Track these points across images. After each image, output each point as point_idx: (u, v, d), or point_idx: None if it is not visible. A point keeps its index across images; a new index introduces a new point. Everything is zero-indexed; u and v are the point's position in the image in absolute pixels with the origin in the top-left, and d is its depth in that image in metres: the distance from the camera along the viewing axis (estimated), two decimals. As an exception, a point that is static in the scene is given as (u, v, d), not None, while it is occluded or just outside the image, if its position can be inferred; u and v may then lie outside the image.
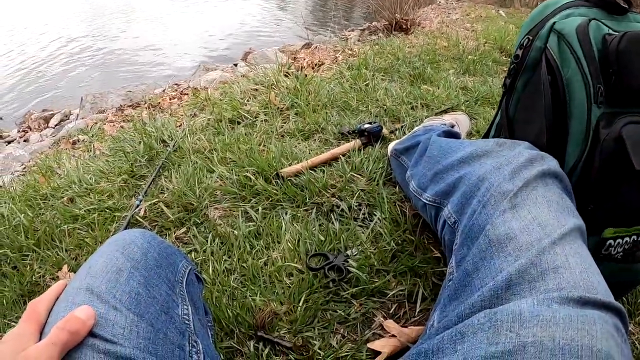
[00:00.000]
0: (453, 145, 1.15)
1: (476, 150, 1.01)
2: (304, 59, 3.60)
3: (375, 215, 1.46)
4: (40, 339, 0.58)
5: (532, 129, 1.08)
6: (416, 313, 1.17)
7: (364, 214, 1.48)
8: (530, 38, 1.09)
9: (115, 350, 0.59)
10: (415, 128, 1.72)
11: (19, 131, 5.77)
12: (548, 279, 0.65)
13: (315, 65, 3.36)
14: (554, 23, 1.03)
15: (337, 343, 1.10)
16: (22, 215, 1.63)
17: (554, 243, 0.69)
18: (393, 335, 1.11)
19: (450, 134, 1.44)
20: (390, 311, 1.18)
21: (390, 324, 1.14)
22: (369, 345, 1.08)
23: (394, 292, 1.21)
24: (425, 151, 1.30)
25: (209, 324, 0.94)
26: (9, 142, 5.36)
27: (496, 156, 0.94)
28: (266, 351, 1.07)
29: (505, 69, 3.40)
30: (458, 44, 3.91)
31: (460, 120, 1.86)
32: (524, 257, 0.68)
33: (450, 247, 0.93)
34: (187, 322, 0.75)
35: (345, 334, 1.12)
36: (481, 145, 1.02)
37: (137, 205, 1.59)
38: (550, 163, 0.87)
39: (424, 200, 1.13)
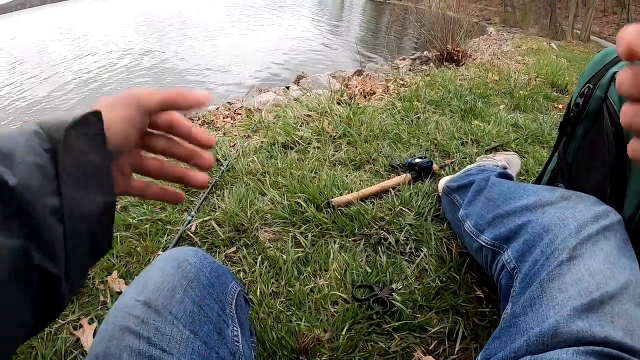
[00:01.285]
0: (515, 191, 1.16)
1: (540, 200, 1.02)
2: (356, 87, 3.65)
3: (422, 251, 1.47)
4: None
5: (594, 178, 1.08)
6: (455, 351, 1.17)
7: (410, 248, 1.50)
8: (591, 87, 1.09)
9: None
10: (468, 166, 1.73)
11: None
12: (594, 331, 0.66)
13: (367, 93, 3.40)
14: (615, 73, 1.03)
15: (375, 375, 1.11)
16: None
17: (603, 302, 0.70)
18: (431, 371, 1.12)
19: (506, 176, 1.44)
20: (430, 347, 1.18)
21: (429, 360, 1.15)
22: (407, 379, 1.09)
23: (435, 329, 1.21)
24: (480, 191, 1.32)
25: (253, 345, 0.97)
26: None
27: (561, 208, 0.95)
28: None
29: (556, 106, 3.37)
30: (509, 77, 3.89)
31: (511, 161, 1.86)
32: (573, 308, 0.70)
33: (506, 292, 0.94)
34: (237, 343, 0.78)
35: (385, 367, 1.14)
36: (546, 196, 1.03)
37: (189, 221, 1.65)
38: (614, 218, 0.87)
39: (481, 242, 1.14)
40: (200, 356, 0.67)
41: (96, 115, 0.48)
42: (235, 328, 0.80)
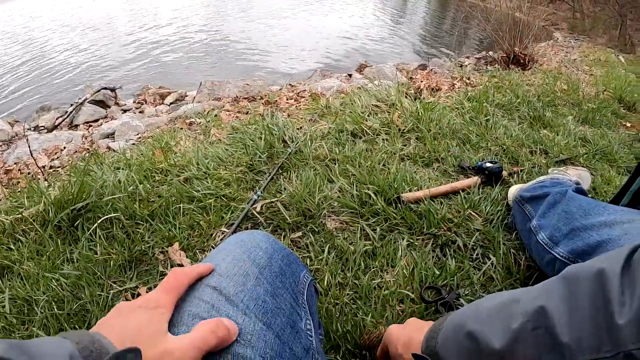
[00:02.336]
0: (595, 207, 1.12)
1: (622, 218, 0.98)
2: (421, 81, 3.60)
3: (489, 259, 1.44)
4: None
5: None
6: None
7: (477, 254, 1.46)
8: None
9: (245, 354, 0.59)
10: (541, 177, 1.68)
11: (134, 102, 6.11)
12: None
13: (433, 89, 3.35)
14: None
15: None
16: (141, 185, 1.70)
17: None
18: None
19: (582, 192, 1.40)
20: None
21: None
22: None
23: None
24: (555, 204, 1.28)
25: (321, 337, 0.95)
26: (124, 111, 5.70)
27: None
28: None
29: (624, 123, 3.25)
30: (577, 88, 3.76)
31: (582, 177, 1.80)
32: None
33: None
34: (310, 337, 0.74)
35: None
36: (627, 215, 0.99)
37: (255, 200, 1.64)
38: None
39: (555, 254, 1.10)
40: (273, 350, 0.63)
41: (135, 354, 0.47)
42: (308, 321, 0.76)
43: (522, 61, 6.06)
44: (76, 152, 4.12)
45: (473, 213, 1.63)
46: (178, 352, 0.53)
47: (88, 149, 4.10)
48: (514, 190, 1.68)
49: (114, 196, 1.64)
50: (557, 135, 2.53)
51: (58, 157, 4.10)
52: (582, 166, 2.09)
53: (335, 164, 1.87)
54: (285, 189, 1.72)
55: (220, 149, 2.07)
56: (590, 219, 1.07)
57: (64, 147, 4.34)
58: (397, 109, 2.45)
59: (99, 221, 1.51)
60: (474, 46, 10.44)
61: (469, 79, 3.90)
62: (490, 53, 7.68)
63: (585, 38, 13.98)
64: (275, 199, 1.66)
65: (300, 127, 2.34)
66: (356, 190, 1.68)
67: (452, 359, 0.66)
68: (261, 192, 1.69)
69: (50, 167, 3.75)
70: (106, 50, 9.67)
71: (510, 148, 2.22)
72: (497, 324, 0.60)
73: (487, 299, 0.71)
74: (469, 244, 1.48)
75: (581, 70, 5.96)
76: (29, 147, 3.52)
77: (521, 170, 1.97)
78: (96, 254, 1.41)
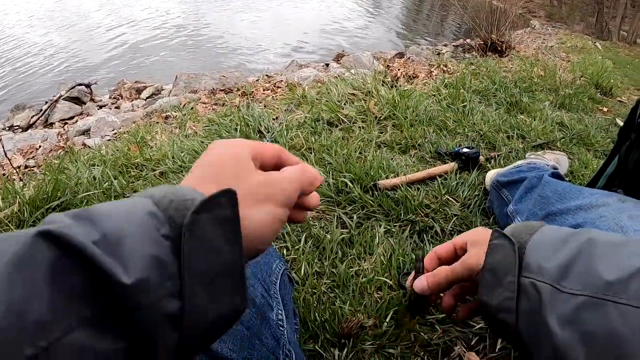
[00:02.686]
0: (570, 191, 1.12)
1: (596, 201, 0.98)
2: (399, 69, 3.58)
3: (467, 244, 1.43)
4: None
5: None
6: (496, 350, 1.14)
7: (455, 240, 1.46)
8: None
9: (213, 347, 0.58)
10: (518, 162, 1.68)
11: (110, 97, 6.03)
12: None
13: (410, 77, 3.34)
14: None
15: (416, 366, 1.08)
16: (116, 181, 1.67)
17: None
18: (471, 368, 1.09)
19: (558, 176, 1.40)
20: (471, 343, 1.15)
21: (472, 357, 1.11)
22: (448, 374, 1.06)
23: (478, 325, 1.18)
24: (532, 189, 1.28)
25: (296, 327, 0.94)
26: (100, 107, 5.62)
27: (618, 211, 0.91)
28: (348, 360, 1.07)
29: (600, 108, 3.29)
30: (554, 74, 3.79)
31: (560, 161, 1.81)
32: None
33: None
34: (281, 328, 0.74)
35: (425, 358, 1.11)
36: (602, 198, 0.99)
37: (231, 192, 1.62)
38: None
39: None
40: (242, 341, 0.63)
41: (230, 196, 0.40)
42: (280, 311, 0.76)
43: (499, 48, 6.09)
44: (52, 150, 4.04)
45: (450, 198, 1.62)
46: (276, 182, 0.48)
47: (63, 147, 4.03)
48: (491, 174, 1.68)
49: (88, 193, 1.60)
50: (534, 120, 2.54)
51: (33, 157, 4.03)
52: (560, 150, 2.10)
53: (311, 153, 1.86)
54: (261, 179, 1.69)
55: (196, 142, 2.04)
56: (565, 203, 1.07)
57: (39, 146, 4.26)
58: (373, 96, 2.43)
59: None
60: (452, 34, 10.47)
61: (446, 66, 3.90)
62: (468, 41, 7.70)
63: (562, 25, 14.09)
64: (252, 190, 1.63)
65: (277, 118, 2.31)
66: (332, 179, 1.66)
67: (545, 262, 0.56)
68: (237, 184, 1.66)
69: (26, 167, 3.67)
70: (81, 46, 9.52)
71: (487, 133, 2.22)
72: (625, 248, 0.53)
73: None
74: (447, 229, 1.48)
75: (558, 57, 5.99)
76: (3, 147, 3.45)
77: (498, 155, 1.98)
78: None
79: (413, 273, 0.80)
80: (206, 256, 0.37)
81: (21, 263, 0.30)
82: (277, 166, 0.52)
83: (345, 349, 1.08)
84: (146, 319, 0.33)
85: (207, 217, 0.38)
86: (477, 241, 0.72)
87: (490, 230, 0.68)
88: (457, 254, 0.76)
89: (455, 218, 1.53)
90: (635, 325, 0.45)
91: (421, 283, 0.75)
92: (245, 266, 0.41)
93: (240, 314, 0.41)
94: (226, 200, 0.39)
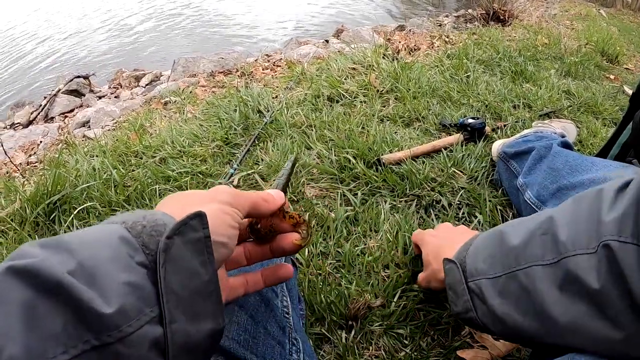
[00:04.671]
0: (582, 162, 1.07)
1: (610, 174, 0.93)
2: (400, 42, 3.50)
3: (476, 217, 1.39)
4: None
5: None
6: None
7: (464, 213, 1.41)
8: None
9: None
10: (525, 131, 1.62)
11: (109, 87, 5.98)
12: None
13: (412, 49, 3.27)
14: None
15: (427, 345, 1.04)
16: (114, 170, 1.64)
17: None
18: (483, 347, 1.05)
19: (567, 145, 1.34)
20: (484, 320, 1.11)
21: (483, 335, 1.07)
22: (459, 353, 1.02)
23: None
24: (541, 159, 1.23)
25: (302, 312, 0.91)
26: (100, 97, 5.58)
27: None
28: (356, 342, 1.03)
29: (607, 76, 3.24)
30: (559, 42, 3.72)
31: (567, 129, 1.75)
32: None
33: None
34: (286, 315, 0.72)
35: (436, 338, 1.07)
36: (615, 171, 0.94)
37: (231, 174, 1.59)
38: None
39: None
40: (246, 332, 0.61)
41: (200, 218, 0.41)
42: (285, 297, 0.74)
43: (501, 17, 5.98)
44: (53, 145, 4.02)
45: (457, 171, 1.57)
46: (218, 189, 0.51)
47: (64, 140, 4.01)
48: (497, 145, 1.62)
49: (87, 184, 1.58)
50: (540, 89, 2.48)
51: (35, 152, 4.01)
52: (567, 119, 2.04)
53: (312, 130, 1.81)
54: (262, 159, 1.66)
55: (195, 125, 2.00)
56: (577, 176, 1.02)
57: (41, 142, 4.24)
58: (374, 70, 2.37)
59: (74, 212, 1.45)
60: (453, 5, 10.30)
61: (448, 37, 3.82)
62: (470, 11, 7.58)
63: (565, -8, 13.85)
64: (252, 171, 1.59)
65: (276, 96, 2.26)
66: (335, 156, 1.61)
67: (478, 264, 0.71)
68: (237, 166, 1.63)
69: (28, 163, 3.65)
70: (76, 37, 9.45)
71: (492, 103, 2.16)
72: (522, 226, 0.66)
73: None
74: (454, 203, 1.43)
75: (562, 25, 5.87)
76: (2, 146, 3.42)
77: (504, 125, 1.92)
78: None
79: None
80: (183, 279, 0.38)
81: None
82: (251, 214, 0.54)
83: (353, 331, 1.05)
84: (132, 346, 0.33)
85: (180, 240, 0.38)
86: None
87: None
88: None
89: (462, 191, 1.48)
90: (540, 279, 0.58)
91: None
92: (219, 286, 0.42)
93: (220, 334, 0.42)
94: (197, 222, 0.40)
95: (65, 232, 1.41)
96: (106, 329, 0.31)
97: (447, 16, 7.76)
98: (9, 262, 0.31)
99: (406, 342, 1.05)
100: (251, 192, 0.54)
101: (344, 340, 1.03)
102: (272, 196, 0.56)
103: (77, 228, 1.41)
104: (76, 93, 5.68)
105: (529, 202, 1.16)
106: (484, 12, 6.23)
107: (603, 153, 1.28)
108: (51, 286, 0.30)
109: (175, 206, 0.46)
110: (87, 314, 0.31)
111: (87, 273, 0.33)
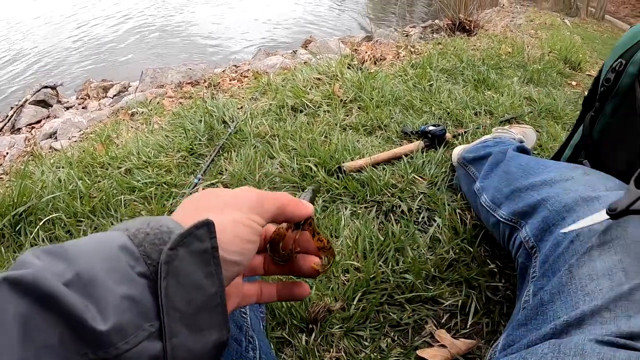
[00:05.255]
0: (535, 165, 1.11)
1: (561, 176, 0.97)
2: (366, 52, 3.56)
3: (435, 221, 1.43)
4: None
5: (622, 156, 1.03)
6: (467, 326, 1.14)
7: (423, 218, 1.45)
8: (623, 62, 1.03)
9: None
10: (483, 137, 1.67)
11: (77, 98, 5.92)
12: (620, 324, 0.62)
13: (377, 59, 3.32)
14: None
15: (387, 346, 1.07)
16: (80, 181, 1.65)
17: (633, 289, 0.66)
18: (443, 346, 1.08)
19: (524, 150, 1.39)
20: (442, 321, 1.15)
21: (442, 334, 1.11)
22: (419, 352, 1.06)
23: (447, 302, 1.17)
24: (497, 164, 1.27)
25: (262, 315, 0.93)
26: (67, 108, 5.51)
27: (584, 185, 0.90)
28: (316, 345, 1.06)
29: (569, 82, 3.32)
30: (522, 51, 3.81)
31: (527, 134, 1.80)
32: (602, 299, 0.66)
33: (523, 270, 0.91)
34: (244, 315, 0.73)
35: (396, 338, 1.10)
36: (566, 172, 0.98)
37: (196, 184, 1.60)
38: None
39: (498, 217, 1.09)
40: None
41: (208, 227, 0.38)
42: None
43: (467, 28, 6.09)
44: (19, 156, 3.96)
45: (417, 177, 1.61)
46: (239, 191, 0.47)
47: (30, 152, 3.96)
48: (457, 151, 1.66)
49: (53, 195, 1.58)
50: (502, 96, 2.55)
51: (1, 164, 3.95)
52: (527, 124, 2.10)
53: (275, 139, 1.83)
54: (226, 169, 1.68)
55: (161, 136, 2.01)
56: (530, 179, 1.05)
57: (7, 153, 4.17)
58: (338, 80, 2.41)
59: (40, 223, 1.46)
60: (421, 16, 10.45)
61: (413, 47, 3.89)
62: (436, 21, 7.70)
63: (531, 3, 14.14)
64: (216, 180, 1.61)
65: (242, 107, 2.28)
66: (297, 164, 1.65)
67: None
68: (202, 175, 1.64)
69: (-6, 176, 3.60)
70: (44, 46, 9.32)
71: (454, 111, 2.21)
72: None
73: None
74: (414, 207, 1.47)
75: (527, 34, 6.00)
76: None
77: (465, 132, 1.97)
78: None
79: None
80: (186, 292, 0.36)
81: None
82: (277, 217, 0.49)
83: (313, 334, 1.07)
84: None
85: (184, 251, 0.36)
86: None
87: None
88: None
89: (422, 196, 1.52)
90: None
91: None
92: (225, 299, 0.39)
93: (225, 345, 0.40)
94: (204, 231, 0.37)
95: (30, 243, 1.42)
96: (102, 345, 0.30)
97: (414, 27, 7.87)
98: (7, 272, 0.30)
99: (366, 343, 1.07)
100: (280, 192, 0.50)
101: (304, 343, 1.05)
102: (303, 202, 0.51)
103: (43, 239, 1.42)
104: (43, 104, 5.60)
105: (484, 205, 1.20)
106: (450, 22, 6.34)
107: (558, 155, 1.33)
108: (46, 298, 0.29)
109: (189, 210, 0.44)
110: (82, 329, 0.29)
111: (85, 284, 0.31)
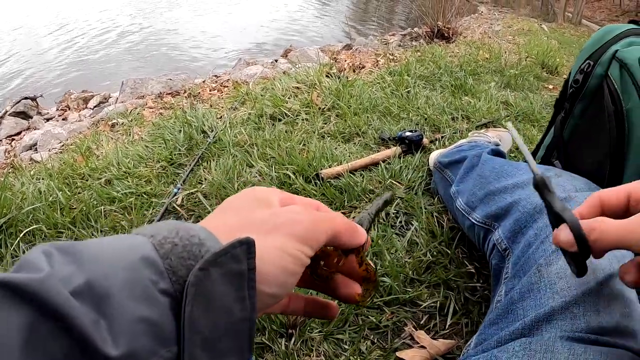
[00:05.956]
0: (507, 168, 1.13)
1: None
2: (345, 61, 3.60)
3: (412, 225, 1.44)
4: None
5: (591, 156, 1.05)
6: (446, 326, 1.16)
7: (400, 222, 1.47)
8: (591, 63, 1.06)
9: None
10: (459, 142, 1.70)
11: (57, 109, 5.87)
12: (589, 319, 0.64)
13: (356, 67, 3.36)
14: (616, 51, 1.00)
15: (366, 349, 1.09)
16: (60, 192, 1.65)
17: (601, 284, 0.68)
18: (422, 347, 1.10)
19: (498, 153, 1.41)
20: (421, 322, 1.16)
21: (421, 335, 1.12)
22: (398, 354, 1.07)
23: (426, 303, 1.19)
24: (472, 168, 1.29)
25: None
26: (47, 120, 5.47)
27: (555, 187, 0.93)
28: (296, 349, 1.07)
29: (546, 86, 3.37)
30: (500, 56, 3.87)
31: (503, 138, 1.83)
32: (570, 295, 0.68)
33: (497, 272, 0.93)
34: None
35: (375, 341, 1.11)
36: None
37: (175, 194, 1.61)
38: None
39: (473, 220, 1.11)
40: None
41: (248, 246, 0.33)
42: None
43: (446, 35, 6.17)
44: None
45: (394, 182, 1.64)
46: (285, 212, 0.41)
47: (10, 164, 3.92)
48: (434, 156, 1.69)
49: (33, 206, 1.58)
50: (479, 101, 2.58)
51: (-20, 177, 3.90)
52: (503, 128, 2.14)
53: (254, 148, 1.85)
54: (205, 179, 1.69)
55: (141, 147, 2.02)
56: (503, 182, 1.08)
57: (-14, 166, 4.13)
58: (316, 88, 2.44)
59: (20, 235, 1.45)
60: (400, 24, 10.55)
61: (392, 55, 3.94)
62: (416, 29, 7.78)
63: (509, 10, 14.36)
64: (196, 190, 1.62)
65: (221, 117, 2.30)
66: (275, 172, 1.66)
67: None
68: (181, 185, 1.65)
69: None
70: (24, 57, 9.26)
71: (431, 116, 2.24)
72: None
73: None
74: (392, 212, 1.49)
75: (504, 40, 6.10)
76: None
77: (442, 137, 2.00)
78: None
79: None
80: (211, 317, 0.32)
81: None
82: None
83: (293, 339, 1.08)
84: None
85: (217, 272, 0.32)
86: None
87: None
88: (628, 208, 0.56)
89: (399, 201, 1.54)
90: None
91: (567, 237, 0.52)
92: (255, 323, 0.35)
93: None
94: (242, 251, 0.33)
95: (11, 254, 1.41)
96: None
97: (393, 35, 7.94)
98: (10, 275, 0.26)
99: (346, 346, 1.08)
100: (335, 214, 0.44)
101: (284, 348, 1.06)
102: (359, 230, 0.46)
103: (24, 251, 1.41)
104: (24, 115, 5.55)
105: (459, 208, 1.22)
106: (429, 30, 6.42)
107: (532, 155, 1.35)
108: (51, 311, 0.26)
109: (229, 219, 0.40)
110: (89, 350, 0.26)
111: (97, 296, 0.28)
